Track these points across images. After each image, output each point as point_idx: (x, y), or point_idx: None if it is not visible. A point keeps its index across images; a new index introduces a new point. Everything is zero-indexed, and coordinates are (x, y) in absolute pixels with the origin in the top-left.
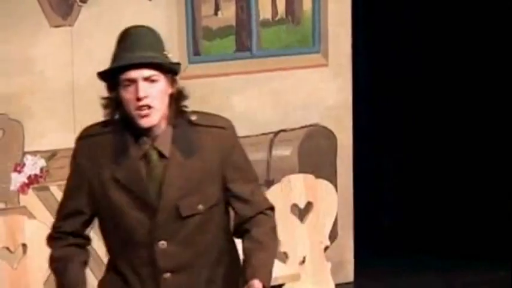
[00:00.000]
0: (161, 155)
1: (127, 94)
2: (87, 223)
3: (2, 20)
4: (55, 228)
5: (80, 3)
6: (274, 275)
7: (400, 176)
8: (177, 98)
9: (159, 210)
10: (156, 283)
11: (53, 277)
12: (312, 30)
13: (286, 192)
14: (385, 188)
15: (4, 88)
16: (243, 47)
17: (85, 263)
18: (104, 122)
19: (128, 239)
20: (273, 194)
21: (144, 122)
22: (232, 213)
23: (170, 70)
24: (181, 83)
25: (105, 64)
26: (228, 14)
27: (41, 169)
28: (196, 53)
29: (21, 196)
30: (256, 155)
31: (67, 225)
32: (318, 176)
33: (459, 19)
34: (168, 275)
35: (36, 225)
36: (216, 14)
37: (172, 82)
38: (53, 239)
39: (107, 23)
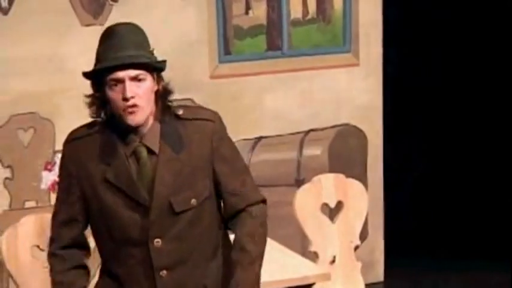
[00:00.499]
0: (150, 152)
1: (114, 94)
2: (83, 229)
3: (34, 19)
4: (53, 241)
5: (111, 3)
6: (304, 274)
7: (430, 175)
8: (162, 95)
9: (152, 208)
10: (153, 282)
11: None
12: (343, 30)
13: (317, 192)
14: (415, 187)
15: (35, 87)
16: (274, 46)
17: None
18: (89, 123)
19: (121, 240)
20: (303, 194)
21: (132, 121)
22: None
23: (156, 68)
24: (212, 82)
25: None
26: (259, 13)
27: None
28: (227, 52)
29: (52, 194)
30: (286, 154)
31: (64, 237)
32: (348, 176)
33: (487, 17)
34: (164, 272)
35: None
36: (247, 13)
37: (158, 79)
38: (52, 258)
39: (137, 23)
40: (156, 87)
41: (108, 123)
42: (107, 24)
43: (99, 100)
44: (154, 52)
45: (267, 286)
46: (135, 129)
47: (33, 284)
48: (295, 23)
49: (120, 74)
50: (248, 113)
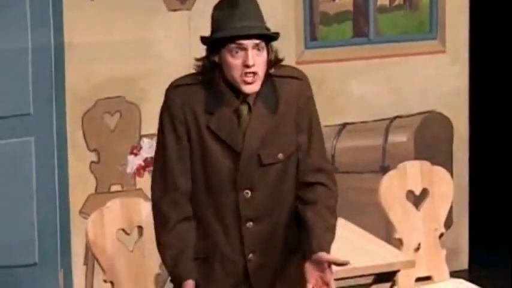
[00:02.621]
0: (250, 109)
1: (234, 60)
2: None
3: (120, 4)
4: (175, 188)
5: None
6: (389, 261)
7: None
8: (274, 64)
9: (242, 157)
10: (239, 231)
11: None
12: (430, 16)
13: (402, 179)
14: (500, 175)
15: (121, 71)
16: (360, 33)
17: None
18: (191, 75)
19: (215, 187)
20: (388, 180)
21: (249, 89)
22: None
23: (270, 39)
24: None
25: None
26: None
27: None
28: (313, 38)
29: (138, 178)
30: (371, 141)
31: (183, 184)
32: (433, 163)
33: None
34: (250, 223)
35: None
36: None
37: (268, 50)
38: (171, 206)
39: None
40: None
41: (207, 83)
42: (194, 9)
43: (211, 64)
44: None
45: (352, 272)
46: (236, 93)
47: (119, 268)
48: (382, 10)
49: (245, 42)
50: (333, 99)
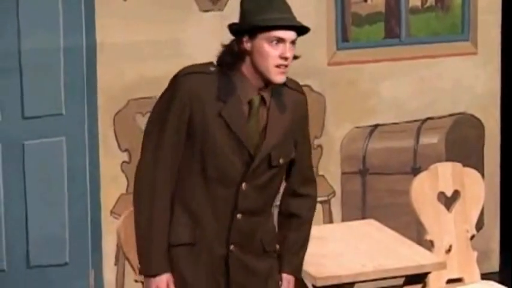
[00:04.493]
0: (263, 102)
1: (272, 50)
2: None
3: (153, 4)
4: (163, 158)
5: None
6: (420, 262)
7: None
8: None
9: (257, 156)
10: (229, 222)
11: None
12: (461, 18)
13: (434, 181)
14: None
15: (153, 71)
16: (392, 34)
17: None
18: (204, 63)
19: (214, 178)
20: (419, 182)
21: (281, 79)
22: None
23: (299, 34)
24: (329, 69)
25: None
26: (378, 0)
27: None
28: (345, 39)
29: None
30: (403, 142)
31: (172, 155)
32: (464, 165)
33: None
34: (240, 215)
35: None
36: (365, 0)
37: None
38: (157, 182)
39: None
40: None
41: (225, 70)
42: (226, 10)
43: (240, 52)
44: None
45: (383, 274)
46: (259, 82)
47: None
48: (414, 11)
49: (286, 35)
50: (365, 101)
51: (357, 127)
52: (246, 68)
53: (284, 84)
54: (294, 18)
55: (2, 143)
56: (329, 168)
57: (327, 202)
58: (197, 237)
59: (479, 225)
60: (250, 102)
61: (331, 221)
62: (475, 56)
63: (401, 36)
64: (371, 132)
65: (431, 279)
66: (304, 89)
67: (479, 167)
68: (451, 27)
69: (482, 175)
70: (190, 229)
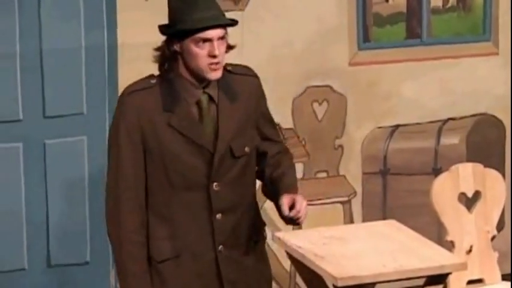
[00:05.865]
0: (211, 99)
1: (200, 50)
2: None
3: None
4: (128, 198)
5: None
6: (441, 263)
7: None
8: (227, 50)
9: (216, 152)
10: (210, 224)
11: None
12: (483, 18)
13: (454, 181)
14: None
15: None
16: (414, 34)
17: None
18: (145, 78)
19: (181, 185)
20: (440, 182)
21: (215, 76)
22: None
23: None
24: (350, 69)
25: (274, 47)
26: (399, 1)
27: None
28: (366, 39)
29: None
30: (424, 143)
31: (138, 195)
32: (485, 165)
33: None
34: (219, 215)
35: None
36: (387, 0)
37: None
38: (130, 214)
39: (278, 9)
40: None
41: (166, 76)
42: (247, 10)
43: (171, 54)
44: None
45: (403, 274)
46: (199, 81)
47: None
48: (435, 11)
49: (212, 33)
50: (386, 101)
51: (378, 127)
52: (182, 69)
53: (231, 72)
54: (219, 14)
55: (24, 142)
56: (350, 169)
57: (348, 202)
58: (179, 248)
59: (500, 226)
60: (198, 103)
61: (351, 221)
62: (496, 56)
63: (422, 37)
64: (392, 133)
65: (451, 280)
66: (325, 89)
67: (500, 168)
68: (472, 28)
69: (503, 176)
70: (171, 242)
